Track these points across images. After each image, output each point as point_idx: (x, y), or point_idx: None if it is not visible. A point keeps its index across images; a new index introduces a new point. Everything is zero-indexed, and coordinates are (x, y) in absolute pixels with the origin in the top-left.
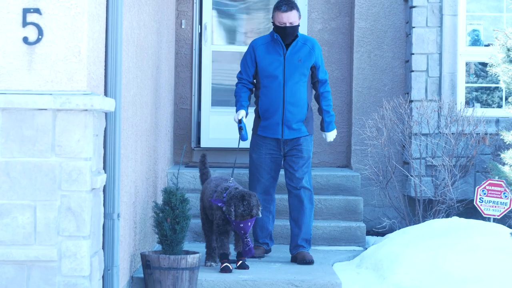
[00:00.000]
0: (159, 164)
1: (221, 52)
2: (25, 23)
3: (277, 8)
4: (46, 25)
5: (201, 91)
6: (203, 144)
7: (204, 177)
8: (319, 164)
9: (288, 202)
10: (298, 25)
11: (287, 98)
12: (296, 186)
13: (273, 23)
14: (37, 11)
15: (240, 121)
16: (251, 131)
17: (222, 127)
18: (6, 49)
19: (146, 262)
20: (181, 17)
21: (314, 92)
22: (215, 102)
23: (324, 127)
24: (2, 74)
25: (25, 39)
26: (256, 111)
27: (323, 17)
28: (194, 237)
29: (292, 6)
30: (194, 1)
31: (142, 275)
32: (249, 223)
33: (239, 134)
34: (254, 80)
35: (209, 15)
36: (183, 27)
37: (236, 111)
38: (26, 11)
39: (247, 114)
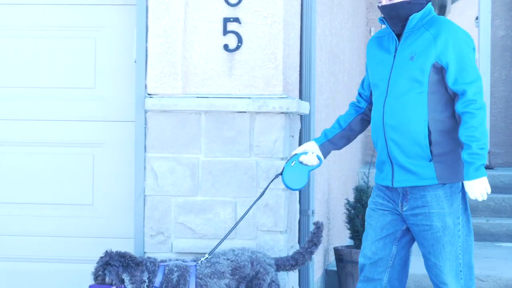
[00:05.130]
0: (350, 163)
1: None
2: (225, 32)
3: None
4: (245, 33)
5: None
6: None
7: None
8: (503, 164)
9: None
10: (409, 1)
11: (386, 119)
12: (435, 279)
13: None
14: (236, 20)
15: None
16: None
17: None
18: (209, 56)
19: (339, 256)
20: (370, 25)
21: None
22: None
23: (463, 173)
24: (205, 79)
25: (226, 47)
26: None
27: (505, 24)
28: None
29: None
30: None
31: (335, 268)
32: None
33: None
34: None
35: None
36: (372, 34)
37: None
38: (226, 20)
39: (326, 149)
